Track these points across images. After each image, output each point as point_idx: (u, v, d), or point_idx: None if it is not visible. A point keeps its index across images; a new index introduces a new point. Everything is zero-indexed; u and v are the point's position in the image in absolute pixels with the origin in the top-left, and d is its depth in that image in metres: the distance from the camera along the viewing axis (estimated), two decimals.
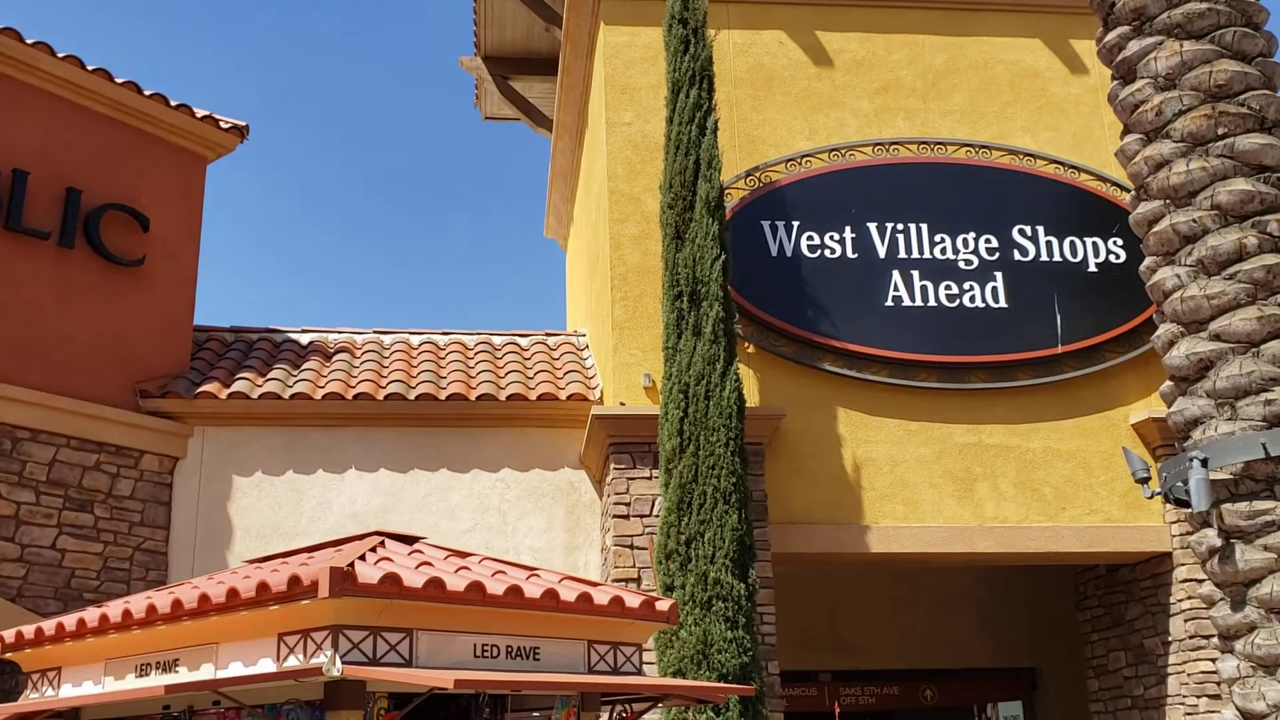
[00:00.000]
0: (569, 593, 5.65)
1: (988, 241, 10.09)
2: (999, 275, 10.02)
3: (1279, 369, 5.22)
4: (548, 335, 11.57)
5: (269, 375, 10.11)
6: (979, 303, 9.90)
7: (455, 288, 31.92)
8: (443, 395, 9.93)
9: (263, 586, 4.95)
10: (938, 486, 9.53)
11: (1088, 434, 9.76)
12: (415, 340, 11.29)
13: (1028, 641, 12.44)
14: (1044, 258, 10.08)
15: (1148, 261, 5.72)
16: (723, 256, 8.82)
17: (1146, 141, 5.79)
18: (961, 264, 10.00)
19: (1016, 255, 10.09)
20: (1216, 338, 5.39)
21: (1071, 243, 10.10)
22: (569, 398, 10.00)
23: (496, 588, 5.38)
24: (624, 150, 10.11)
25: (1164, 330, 5.54)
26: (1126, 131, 5.96)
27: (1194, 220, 5.52)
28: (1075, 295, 9.96)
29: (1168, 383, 5.52)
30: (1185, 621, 9.35)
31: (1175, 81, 5.63)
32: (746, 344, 9.62)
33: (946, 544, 9.42)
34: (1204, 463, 5.15)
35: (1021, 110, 10.54)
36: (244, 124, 10.74)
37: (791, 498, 9.37)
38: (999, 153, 10.35)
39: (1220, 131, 5.51)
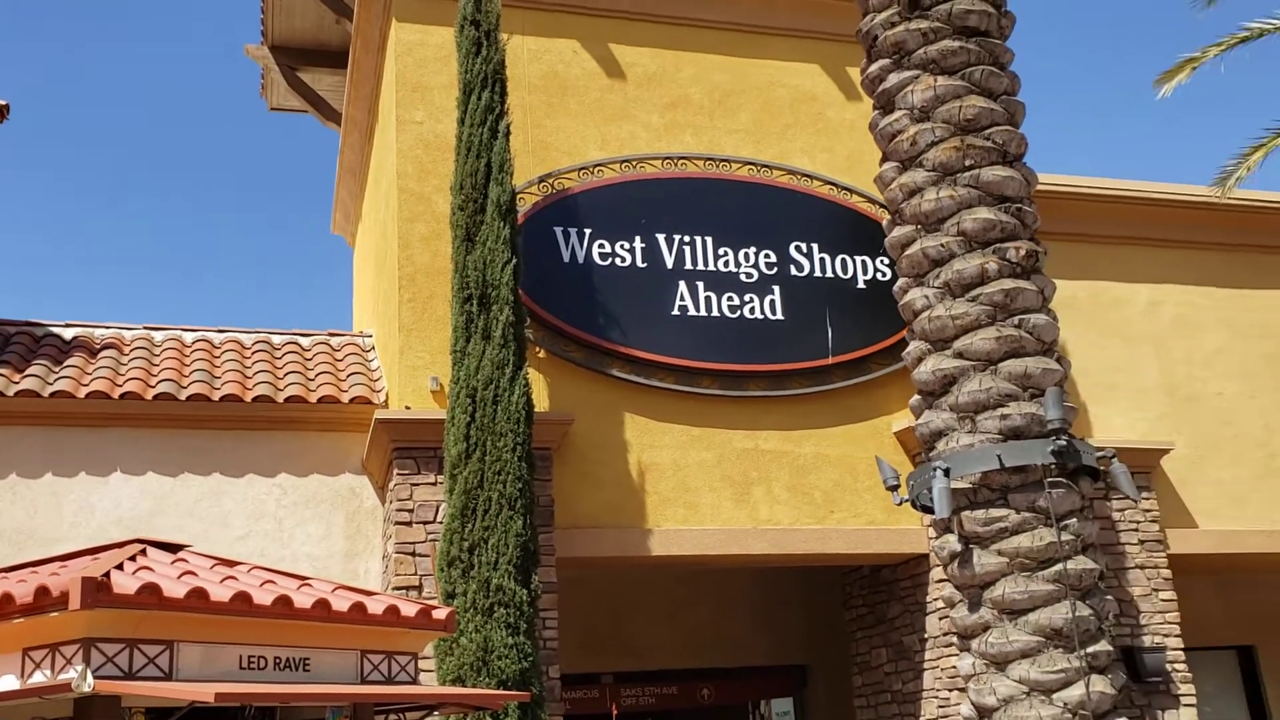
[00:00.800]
0: (342, 602, 5.55)
1: (767, 256, 10.47)
2: (777, 289, 10.41)
3: (1014, 386, 5.67)
4: (331, 335, 11.28)
5: (27, 371, 9.45)
6: (758, 314, 10.27)
7: (235, 283, 30.61)
8: (216, 396, 9.53)
9: (6, 598, 4.66)
10: (717, 490, 9.83)
11: (855, 441, 10.28)
12: (189, 338, 10.79)
13: (799, 640, 12.97)
14: (818, 273, 10.55)
15: (900, 282, 6.11)
16: (514, 260, 8.83)
17: (902, 169, 6.17)
18: (743, 277, 10.35)
19: (793, 270, 10.52)
20: (960, 355, 5.81)
21: (843, 260, 10.61)
22: (352, 400, 9.78)
23: (264, 598, 5.24)
24: (414, 149, 9.99)
25: (914, 347, 5.93)
26: (885, 159, 6.34)
27: (942, 245, 5.93)
28: (846, 309, 10.47)
29: (916, 396, 5.91)
30: (939, 619, 9.98)
31: (929, 114, 6.03)
32: (537, 349, 9.65)
33: (724, 546, 9.72)
34: (946, 472, 5.55)
35: (801, 132, 11.02)
36: (3, 103, 10.00)
37: (579, 502, 9.47)
38: (779, 172, 10.78)
39: (968, 163, 5.94)
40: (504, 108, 9.24)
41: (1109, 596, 5.71)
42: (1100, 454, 5.71)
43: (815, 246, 10.62)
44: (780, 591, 12.96)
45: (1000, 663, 5.46)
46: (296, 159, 30.43)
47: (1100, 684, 5.33)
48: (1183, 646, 10.36)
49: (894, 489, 6.21)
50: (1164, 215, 11.58)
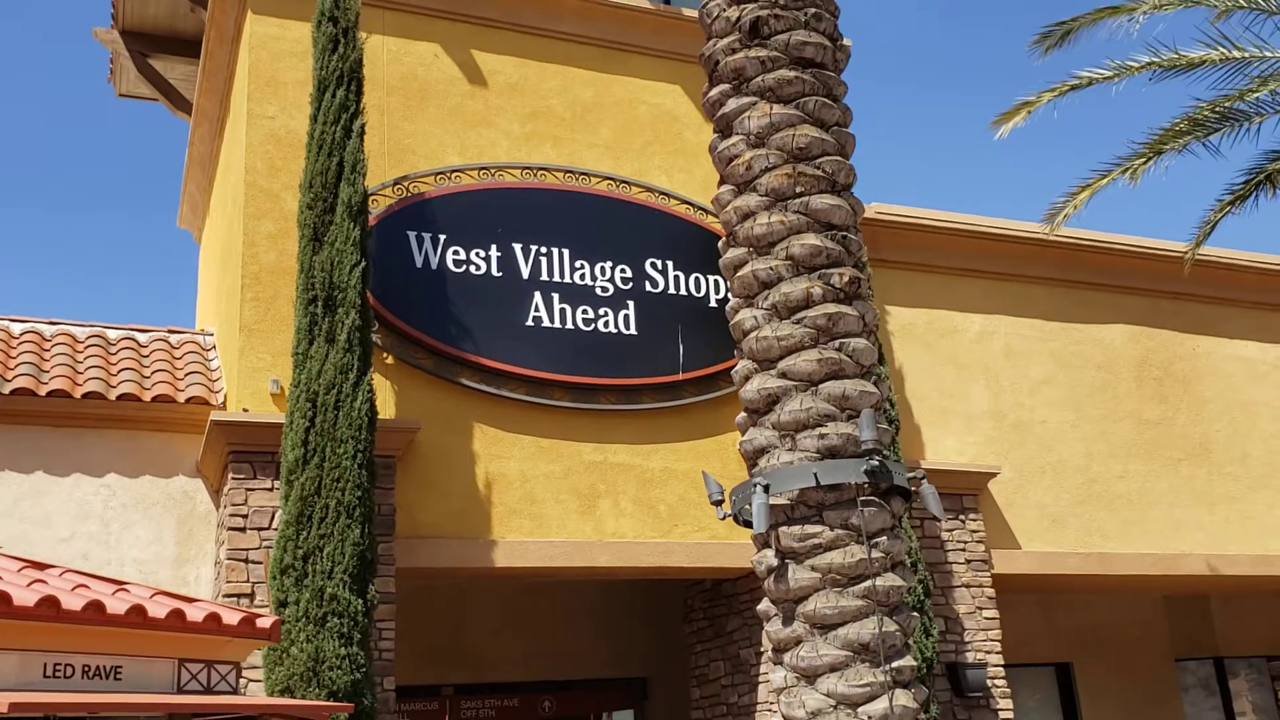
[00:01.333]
0: (159, 609, 5.37)
1: (623, 271, 10.57)
2: (631, 304, 10.51)
3: (833, 406, 5.86)
4: (170, 332, 10.89)
5: None
6: (612, 328, 10.34)
7: (74, 275, 29.25)
8: (43, 390, 9.11)
9: None
10: (563, 502, 9.85)
11: (701, 456, 10.44)
12: (16, 329, 10.28)
13: (641, 653, 13.07)
14: (672, 290, 10.70)
15: (732, 302, 6.26)
16: (363, 263, 8.70)
17: (737, 193, 6.33)
18: (599, 290, 10.42)
19: (648, 286, 10.63)
20: (784, 375, 5.97)
21: (696, 279, 10.79)
22: (188, 400, 9.46)
23: (74, 603, 5.04)
24: (265, 145, 9.75)
25: (742, 366, 6.08)
26: (722, 181, 6.49)
27: (771, 268, 6.10)
28: (697, 327, 10.64)
29: (742, 414, 6.06)
30: None
31: (765, 140, 6.19)
32: (385, 355, 9.52)
33: (568, 558, 9.74)
34: (766, 488, 5.70)
35: (660, 151, 11.16)
36: None
37: (423, 512, 9.36)
38: (637, 189, 10.89)
39: (798, 190, 6.12)
40: (359, 107, 9.13)
41: (914, 613, 5.94)
42: (911, 475, 5.95)
43: (670, 264, 10.76)
44: (623, 604, 13.04)
45: (810, 676, 5.62)
46: (144, 149, 29.29)
47: (903, 698, 5.53)
48: (1003, 663, 10.84)
49: (718, 504, 6.34)
50: (998, 249, 12.13)
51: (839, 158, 6.21)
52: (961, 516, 11.05)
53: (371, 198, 9.55)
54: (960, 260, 12.04)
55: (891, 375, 11.15)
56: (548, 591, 12.59)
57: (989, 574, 11.00)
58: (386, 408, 9.32)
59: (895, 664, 5.54)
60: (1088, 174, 11.10)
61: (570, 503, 9.87)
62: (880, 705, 5.44)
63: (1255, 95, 10.42)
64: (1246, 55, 10.19)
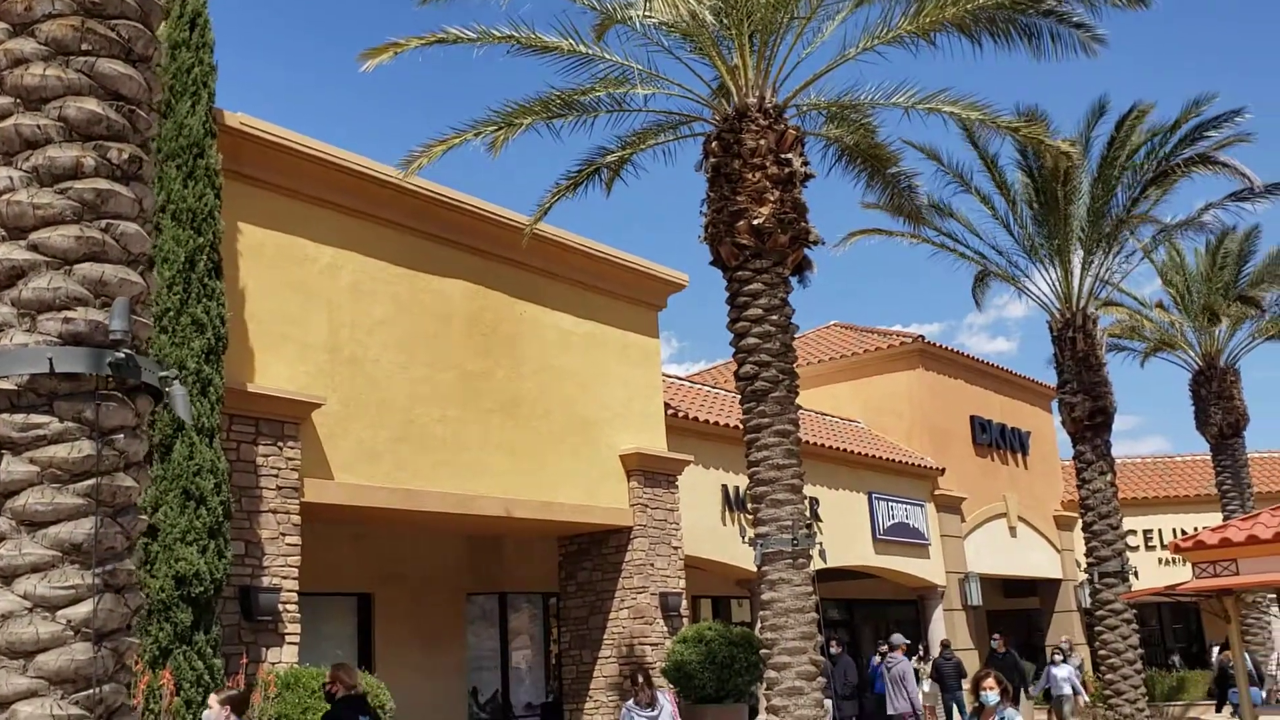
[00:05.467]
0: None
1: None
2: None
3: (87, 291, 5.45)
4: None
5: None
6: None
7: None
8: None
9: None
10: None
11: None
12: None
13: None
14: None
15: None
16: None
17: (12, 34, 5.65)
18: None
19: None
20: (35, 248, 5.44)
21: None
22: None
23: None
24: None
25: None
26: None
27: (40, 126, 5.52)
28: None
29: None
30: None
31: None
32: None
33: None
34: None
35: None
36: None
37: None
38: None
39: (85, 48, 5.60)
40: None
41: (143, 517, 5.71)
42: (163, 375, 5.71)
43: None
44: None
45: (8, 577, 5.18)
46: None
47: (112, 602, 5.30)
48: (298, 590, 10.95)
49: None
50: (357, 186, 12.20)
51: (139, 25, 5.74)
52: (280, 444, 10.97)
53: None
54: (320, 190, 11.91)
55: (231, 294, 10.72)
56: None
57: (298, 501, 11.04)
58: None
59: (111, 566, 5.28)
60: (447, 130, 11.59)
61: None
62: (84, 608, 5.15)
63: (596, 95, 11.58)
64: (590, 54, 11.27)
